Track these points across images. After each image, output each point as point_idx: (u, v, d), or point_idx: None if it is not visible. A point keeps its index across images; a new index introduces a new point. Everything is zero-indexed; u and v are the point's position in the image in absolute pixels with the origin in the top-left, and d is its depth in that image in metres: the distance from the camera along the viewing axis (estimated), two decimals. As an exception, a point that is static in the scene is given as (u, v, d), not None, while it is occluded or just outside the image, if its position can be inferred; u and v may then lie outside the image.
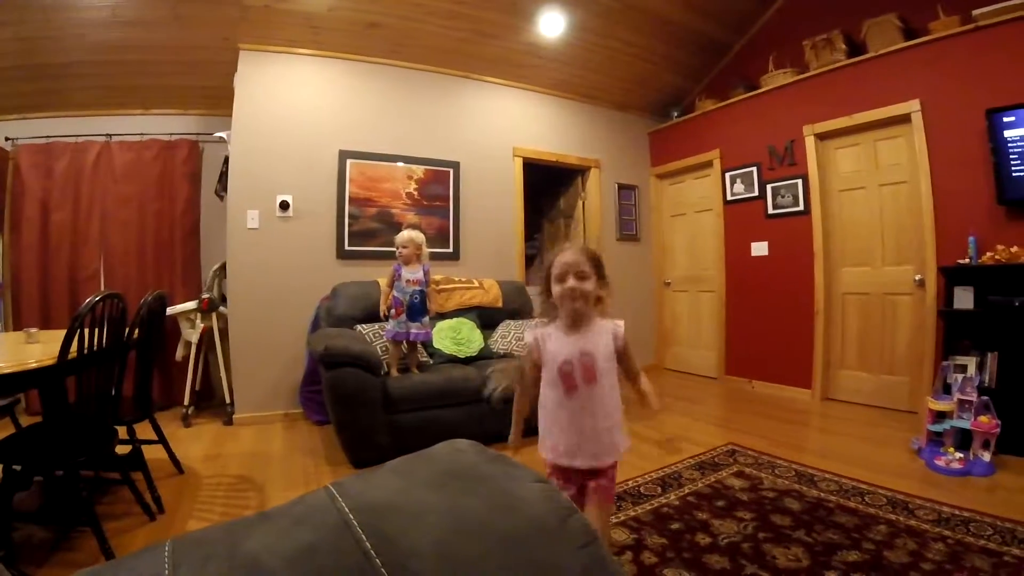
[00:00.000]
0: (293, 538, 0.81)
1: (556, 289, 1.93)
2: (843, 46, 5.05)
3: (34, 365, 2.33)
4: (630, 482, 3.25)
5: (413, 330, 3.97)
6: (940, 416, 3.55)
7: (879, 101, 4.75)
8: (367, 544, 0.82)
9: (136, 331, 3.03)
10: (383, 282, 4.21)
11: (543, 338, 2.00)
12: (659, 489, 3.14)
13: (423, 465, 1.28)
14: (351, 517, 0.93)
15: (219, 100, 5.33)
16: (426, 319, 4.05)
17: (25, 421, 3.70)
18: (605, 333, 1.98)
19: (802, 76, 5.40)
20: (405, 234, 4.01)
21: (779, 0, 5.89)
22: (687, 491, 3.10)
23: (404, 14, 5.02)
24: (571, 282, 1.88)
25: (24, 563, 2.40)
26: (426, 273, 4.04)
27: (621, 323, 2.03)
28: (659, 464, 3.55)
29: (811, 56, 5.32)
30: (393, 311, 3.97)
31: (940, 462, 3.33)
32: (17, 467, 2.52)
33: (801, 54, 5.41)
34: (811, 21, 5.42)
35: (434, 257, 5.01)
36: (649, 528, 2.64)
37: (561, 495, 1.21)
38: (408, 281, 3.96)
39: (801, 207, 5.39)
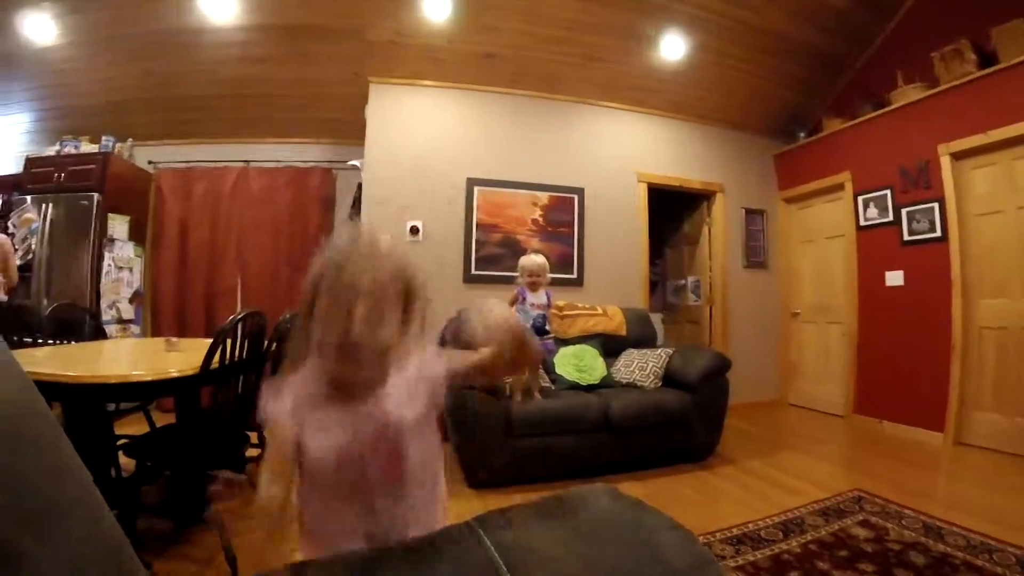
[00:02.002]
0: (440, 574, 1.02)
1: (322, 330, 1.21)
2: (973, 56, 5.11)
3: (175, 374, 2.61)
4: (750, 525, 3.34)
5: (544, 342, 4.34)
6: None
7: (1015, 115, 4.76)
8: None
9: (274, 345, 3.40)
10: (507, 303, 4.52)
11: (298, 410, 1.27)
12: (780, 534, 3.21)
13: (563, 509, 1.51)
14: (496, 558, 1.15)
15: (351, 129, 6.16)
16: (550, 338, 4.51)
17: (157, 417, 4.12)
18: (416, 376, 1.35)
19: (933, 91, 5.46)
20: (539, 261, 4.45)
21: (900, 10, 6.08)
22: (809, 538, 3.14)
23: (519, 43, 5.65)
24: (357, 324, 1.17)
25: (145, 552, 2.68)
26: (548, 297, 4.50)
27: (442, 359, 1.41)
28: (781, 508, 3.62)
29: (940, 69, 5.39)
30: None
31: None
32: (167, 469, 3.04)
33: (930, 67, 5.49)
34: (936, 31, 5.54)
35: (558, 283, 5.52)
36: (767, 575, 2.76)
37: (699, 544, 1.36)
38: (532, 305, 4.41)
39: (938, 233, 5.40)
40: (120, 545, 0.89)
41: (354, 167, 5.99)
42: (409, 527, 1.33)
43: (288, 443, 1.26)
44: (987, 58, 5.08)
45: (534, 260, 4.46)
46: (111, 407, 3.64)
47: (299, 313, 1.30)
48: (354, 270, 1.22)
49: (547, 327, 4.50)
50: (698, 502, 3.86)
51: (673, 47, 5.89)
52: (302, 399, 1.29)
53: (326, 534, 1.34)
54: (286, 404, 1.29)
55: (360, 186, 5.82)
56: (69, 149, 6.01)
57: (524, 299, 4.43)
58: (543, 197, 6.17)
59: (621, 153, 6.64)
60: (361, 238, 1.33)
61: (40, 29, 4.99)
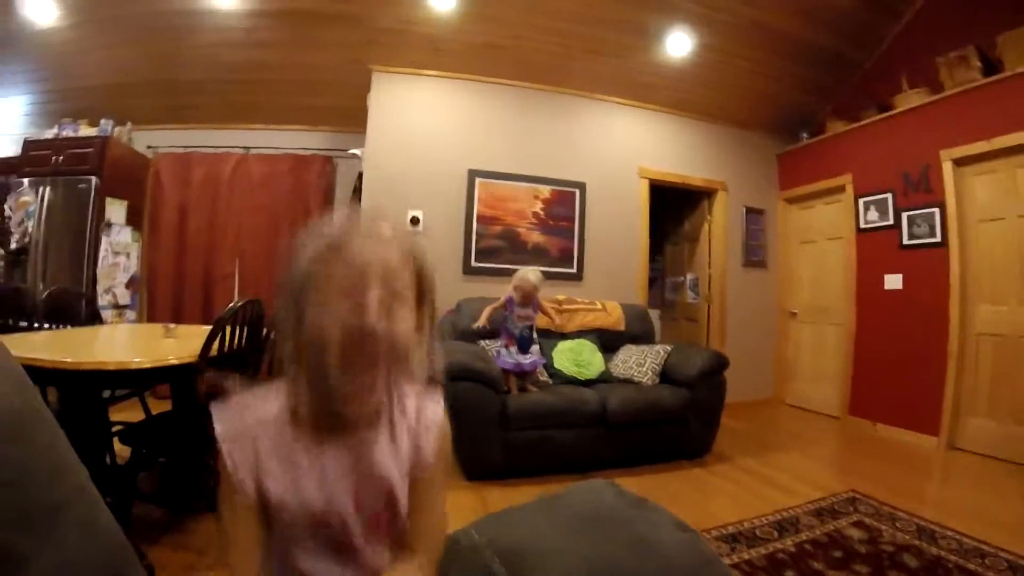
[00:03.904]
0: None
1: (326, 327, 0.93)
2: (978, 63, 5.13)
3: (173, 362, 2.62)
4: (745, 523, 3.39)
5: (526, 361, 4.40)
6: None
7: (1018, 124, 4.77)
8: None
9: (272, 333, 3.49)
10: (488, 309, 4.64)
11: (258, 451, 1.01)
12: (775, 533, 3.25)
13: (564, 508, 1.52)
14: (496, 565, 1.20)
15: (352, 118, 6.16)
16: (536, 348, 4.53)
17: (152, 404, 4.15)
18: (410, 424, 1.12)
19: (936, 97, 5.49)
20: (534, 281, 4.42)
21: (907, 14, 6.05)
22: (804, 538, 3.19)
23: (525, 35, 5.64)
24: (371, 315, 0.93)
25: (138, 539, 2.66)
26: (535, 307, 4.55)
27: (439, 399, 1.21)
28: (776, 507, 3.67)
29: (945, 74, 5.41)
30: (504, 341, 4.46)
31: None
32: (163, 456, 3.07)
33: (934, 72, 5.51)
34: (943, 36, 5.55)
35: (557, 277, 5.75)
36: (762, 574, 2.75)
37: (704, 542, 1.34)
38: (519, 316, 4.46)
39: (938, 238, 5.43)
40: (119, 547, 0.87)
41: (354, 156, 6.01)
42: None
43: (237, 484, 0.99)
44: (991, 65, 5.10)
45: (531, 280, 4.42)
46: (106, 394, 3.60)
47: (279, 315, 1.01)
48: (360, 250, 0.96)
49: (534, 337, 4.54)
50: (693, 499, 3.89)
51: (680, 44, 5.85)
52: (263, 434, 1.02)
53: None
54: (237, 447, 1.01)
55: (360, 175, 5.83)
56: (68, 132, 5.98)
57: (512, 310, 4.46)
58: (544, 191, 6.19)
59: (624, 148, 6.67)
60: (360, 218, 1.04)
61: (41, 9, 4.94)
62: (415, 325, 1.02)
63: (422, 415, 1.13)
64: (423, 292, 1.07)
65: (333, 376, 0.93)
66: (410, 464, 1.09)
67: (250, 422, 1.02)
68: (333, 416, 1.01)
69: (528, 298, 4.45)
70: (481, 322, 4.57)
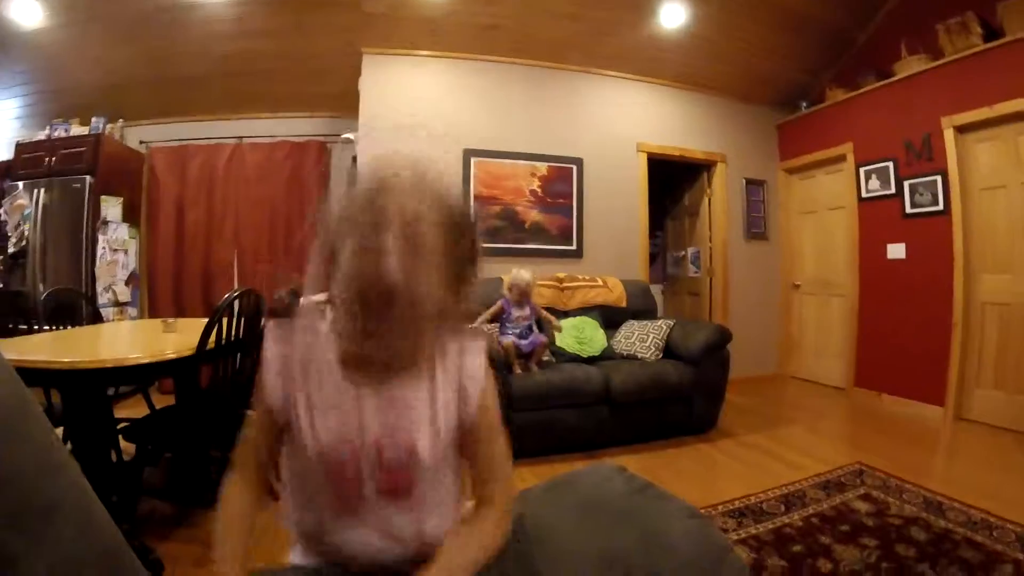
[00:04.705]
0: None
1: (343, 275, 0.96)
2: (979, 30, 5.02)
3: (172, 356, 2.64)
4: (752, 498, 3.41)
5: (525, 342, 4.48)
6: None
7: (1020, 90, 4.69)
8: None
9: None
10: (486, 314, 4.63)
11: (293, 367, 1.08)
12: (782, 508, 3.27)
13: (572, 493, 1.52)
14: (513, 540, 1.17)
15: (345, 102, 6.10)
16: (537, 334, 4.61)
17: (157, 399, 4.14)
18: (447, 375, 1.10)
19: (937, 63, 5.40)
20: (528, 279, 4.56)
21: None
22: (811, 511, 3.20)
23: (521, 15, 5.57)
24: (387, 266, 0.90)
25: (146, 536, 2.72)
26: (532, 308, 4.64)
27: (482, 347, 1.15)
28: (782, 481, 3.68)
29: (945, 41, 5.30)
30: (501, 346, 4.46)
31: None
32: (168, 451, 3.06)
33: (934, 39, 5.39)
34: (942, 2, 5.41)
35: (557, 254, 5.77)
36: (769, 548, 2.75)
37: (716, 531, 1.34)
38: (517, 317, 4.54)
39: (940, 206, 5.38)
40: (116, 545, 0.88)
41: (348, 140, 5.97)
42: (415, 534, 1.09)
43: (271, 399, 1.08)
44: (992, 32, 5.00)
45: (524, 278, 4.56)
46: (110, 391, 3.61)
47: (317, 251, 1.04)
48: (391, 197, 0.95)
49: (534, 329, 4.64)
50: (699, 475, 3.95)
51: (676, 17, 5.80)
52: (305, 352, 1.07)
53: (300, 519, 1.13)
54: (286, 349, 1.08)
55: (355, 160, 5.79)
56: (59, 132, 6.00)
57: (508, 312, 4.56)
58: (541, 168, 6.15)
59: (621, 123, 6.62)
60: (406, 166, 1.03)
61: (26, 11, 4.92)
62: (448, 276, 1.00)
63: (464, 366, 1.11)
64: (464, 245, 1.05)
65: (356, 319, 0.94)
66: (455, 418, 1.09)
67: (298, 336, 1.09)
68: (363, 358, 1.02)
69: (523, 296, 4.54)
70: (481, 320, 4.61)
